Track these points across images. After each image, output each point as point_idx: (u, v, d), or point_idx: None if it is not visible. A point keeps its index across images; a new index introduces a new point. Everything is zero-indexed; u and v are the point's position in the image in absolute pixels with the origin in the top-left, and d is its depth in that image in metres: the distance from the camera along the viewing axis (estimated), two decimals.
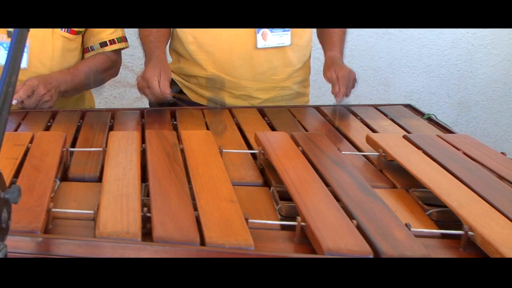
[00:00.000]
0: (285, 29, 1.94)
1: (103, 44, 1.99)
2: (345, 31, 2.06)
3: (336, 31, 2.03)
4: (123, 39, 2.04)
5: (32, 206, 1.02)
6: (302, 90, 2.13)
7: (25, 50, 1.81)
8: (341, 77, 1.82)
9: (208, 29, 1.92)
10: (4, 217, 0.81)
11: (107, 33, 1.98)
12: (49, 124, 1.65)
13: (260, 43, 1.93)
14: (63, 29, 1.88)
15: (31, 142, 1.35)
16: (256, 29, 1.92)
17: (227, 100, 1.99)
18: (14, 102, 1.68)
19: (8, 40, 1.83)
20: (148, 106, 1.98)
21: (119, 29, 2.01)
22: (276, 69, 1.99)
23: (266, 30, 1.92)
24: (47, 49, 1.89)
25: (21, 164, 1.24)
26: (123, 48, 2.07)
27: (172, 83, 1.96)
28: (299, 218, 1.05)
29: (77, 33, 1.94)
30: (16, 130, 1.57)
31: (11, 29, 1.82)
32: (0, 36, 1.84)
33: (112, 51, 2.02)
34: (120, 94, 3.36)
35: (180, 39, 1.99)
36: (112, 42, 2.00)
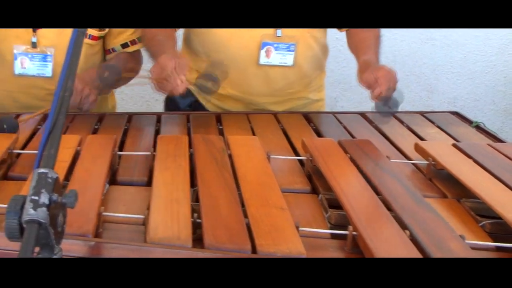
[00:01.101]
0: (290, 49, 1.91)
1: (125, 45, 2.00)
2: (378, 35, 1.98)
3: (368, 36, 1.96)
4: None
5: (83, 210, 1.02)
6: (317, 96, 2.11)
7: (50, 59, 1.84)
8: (380, 77, 1.72)
9: (219, 49, 1.90)
10: (60, 221, 0.82)
11: (127, 34, 1.99)
12: (96, 127, 1.66)
13: (263, 60, 1.90)
14: (86, 36, 1.88)
15: (79, 145, 1.36)
16: (261, 45, 1.88)
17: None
18: None
19: (34, 51, 1.86)
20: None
21: (139, 29, 1.99)
22: (292, 84, 1.98)
23: (270, 47, 1.90)
24: None
25: (70, 167, 1.25)
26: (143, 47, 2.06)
27: (188, 93, 1.87)
28: (350, 227, 1.03)
29: (99, 38, 1.95)
30: (64, 133, 1.58)
31: (35, 40, 1.85)
32: (25, 47, 1.86)
33: (134, 51, 2.03)
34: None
35: (193, 56, 1.98)
36: (133, 42, 2.01)
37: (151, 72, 1.66)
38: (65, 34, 1.84)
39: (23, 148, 1.47)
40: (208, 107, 2.02)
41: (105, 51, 2.03)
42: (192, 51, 2.00)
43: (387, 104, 1.78)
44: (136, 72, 2.03)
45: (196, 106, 2.02)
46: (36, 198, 0.76)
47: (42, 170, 0.80)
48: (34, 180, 0.79)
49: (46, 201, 0.76)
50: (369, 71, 1.76)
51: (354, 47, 2.00)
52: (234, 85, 1.93)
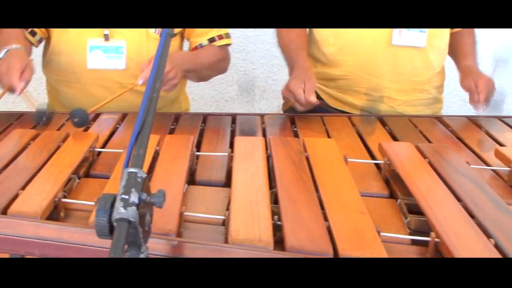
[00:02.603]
0: (422, 29, 1.93)
1: (212, 40, 2.02)
2: (475, 41, 2.07)
3: (467, 42, 2.05)
4: (228, 35, 2.07)
5: (166, 209, 1.03)
6: (439, 95, 2.11)
7: (122, 52, 1.88)
8: (480, 86, 1.83)
9: (350, 29, 1.93)
10: (147, 220, 0.83)
11: (214, 30, 2.02)
12: (172, 127, 1.69)
13: (395, 40, 1.93)
14: (156, 31, 1.92)
15: (158, 145, 1.39)
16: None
17: (365, 104, 2.01)
18: (140, 82, 1.72)
19: (107, 43, 1.91)
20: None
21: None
22: (417, 70, 1.99)
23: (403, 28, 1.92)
24: (143, 52, 1.93)
25: (150, 167, 1.27)
26: (229, 44, 2.09)
27: None
28: (432, 234, 1.01)
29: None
30: None
31: (107, 32, 1.89)
32: (98, 40, 1.91)
33: (222, 45, 2.05)
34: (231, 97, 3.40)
35: (318, 42, 2.00)
36: (220, 37, 2.04)
37: (282, 93, 1.83)
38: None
39: (103, 146, 1.50)
40: (329, 102, 2.05)
41: (193, 49, 2.05)
42: (318, 34, 2.03)
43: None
44: (223, 69, 2.13)
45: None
46: (126, 197, 0.78)
47: (131, 169, 0.81)
48: (124, 179, 0.81)
49: (136, 200, 0.78)
50: (471, 78, 1.89)
51: (453, 52, 2.08)
52: (360, 66, 1.97)
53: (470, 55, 2.01)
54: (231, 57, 2.14)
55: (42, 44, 2.06)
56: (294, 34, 2.03)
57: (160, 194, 0.81)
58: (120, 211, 0.76)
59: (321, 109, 2.01)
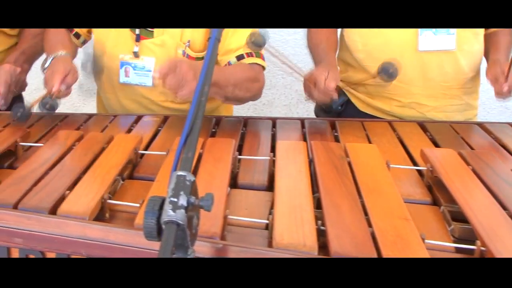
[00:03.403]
0: (450, 32, 1.90)
1: (240, 57, 1.89)
2: (510, 41, 2.00)
3: (501, 40, 1.98)
4: (261, 56, 1.91)
5: (210, 212, 1.04)
6: (472, 102, 2.07)
7: (150, 69, 1.89)
8: (506, 71, 1.74)
9: (377, 35, 1.93)
10: (195, 223, 0.84)
11: (244, 48, 1.90)
12: (214, 130, 1.70)
13: (422, 46, 1.91)
14: (183, 53, 1.90)
15: (201, 147, 1.40)
16: (419, 31, 1.90)
17: (394, 110, 1.99)
18: (155, 75, 1.57)
19: (136, 60, 1.93)
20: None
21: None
22: (447, 75, 1.95)
23: (429, 32, 1.89)
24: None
25: (194, 169, 1.28)
26: (261, 65, 1.92)
27: (340, 92, 2.00)
28: (478, 242, 1.00)
29: (196, 59, 1.90)
30: None
31: (137, 49, 1.91)
32: (129, 56, 1.93)
33: (252, 63, 1.89)
34: (269, 101, 3.41)
35: (348, 47, 2.00)
36: (250, 55, 1.89)
37: (303, 81, 1.80)
38: (165, 46, 1.90)
39: (146, 148, 1.52)
40: (358, 106, 2.05)
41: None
42: (348, 39, 2.04)
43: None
44: (256, 91, 1.90)
45: (348, 105, 2.07)
46: (175, 200, 0.79)
47: (180, 172, 0.82)
48: (173, 182, 0.82)
49: (184, 203, 0.79)
50: (497, 65, 1.81)
51: (486, 50, 2.02)
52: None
53: (501, 50, 1.94)
54: (267, 62, 1.98)
55: None
56: (324, 35, 2.04)
57: (208, 197, 0.82)
58: (169, 213, 0.78)
59: (349, 113, 2.01)
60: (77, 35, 2.03)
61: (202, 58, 1.91)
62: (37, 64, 3.23)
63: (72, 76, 1.75)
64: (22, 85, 1.94)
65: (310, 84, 1.79)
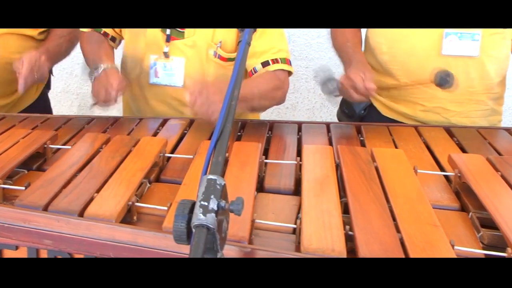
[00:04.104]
0: (474, 38, 1.88)
1: (265, 64, 1.91)
2: None
3: None
4: (287, 61, 1.94)
5: (238, 216, 1.05)
6: (497, 107, 2.05)
7: (181, 70, 1.90)
8: None
9: (402, 37, 1.92)
10: (224, 227, 0.84)
11: (269, 53, 1.92)
12: (239, 133, 1.70)
13: (446, 50, 1.89)
14: (215, 54, 1.91)
15: (227, 151, 1.40)
16: (444, 35, 1.88)
17: (418, 115, 1.97)
18: (187, 98, 1.61)
19: (166, 61, 1.94)
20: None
21: (284, 50, 1.95)
22: (472, 80, 1.93)
23: (455, 37, 1.87)
24: (201, 72, 1.94)
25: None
26: (287, 71, 1.95)
27: None
28: (509, 250, 0.99)
29: (228, 59, 1.93)
30: (209, 139, 1.63)
31: (167, 50, 1.92)
32: (159, 56, 1.94)
33: (277, 70, 1.91)
34: (292, 105, 3.41)
35: (373, 49, 1.99)
36: (275, 61, 1.91)
37: (340, 83, 1.80)
38: (196, 47, 1.92)
39: (171, 152, 1.52)
40: (381, 110, 2.04)
41: (248, 73, 1.96)
42: (373, 41, 2.03)
43: None
44: (279, 98, 1.94)
45: (371, 110, 2.06)
46: (205, 203, 0.79)
47: (210, 176, 0.82)
48: (203, 186, 0.82)
49: (215, 207, 0.79)
50: None
51: None
52: (413, 76, 1.93)
53: None
54: (292, 66, 2.02)
55: None
56: (349, 34, 2.04)
57: (238, 201, 0.82)
58: (199, 217, 0.78)
59: (372, 117, 2.00)
60: (113, 39, 2.07)
61: (233, 59, 1.92)
62: (62, 68, 3.28)
63: (123, 87, 1.81)
64: (44, 74, 1.96)
65: (348, 87, 1.77)
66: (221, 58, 1.92)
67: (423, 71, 1.90)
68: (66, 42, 2.14)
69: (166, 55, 1.92)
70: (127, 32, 2.00)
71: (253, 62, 1.93)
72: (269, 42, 1.90)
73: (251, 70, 1.93)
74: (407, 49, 1.92)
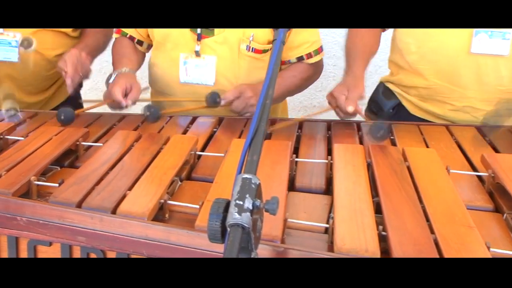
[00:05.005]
0: (505, 36, 1.85)
1: (300, 59, 2.03)
2: None
3: None
4: (319, 50, 2.06)
5: (271, 215, 1.04)
6: None
7: (212, 68, 1.91)
8: None
9: (431, 36, 1.89)
10: (259, 226, 0.84)
11: (304, 47, 2.00)
12: (269, 132, 1.70)
13: (475, 48, 1.86)
14: (248, 48, 1.93)
15: None
16: (474, 33, 1.85)
17: (448, 114, 1.95)
18: (222, 102, 1.82)
19: (198, 59, 1.95)
20: None
21: (316, 42, 2.03)
22: (503, 79, 1.90)
23: (485, 35, 1.84)
24: (234, 68, 1.95)
25: None
26: (319, 60, 2.09)
27: (391, 95, 2.00)
28: None
29: (263, 51, 1.96)
30: (239, 137, 1.63)
31: (198, 48, 1.93)
32: (190, 55, 1.95)
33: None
34: (320, 103, 3.39)
35: (401, 50, 1.98)
36: (309, 56, 2.02)
37: (326, 98, 1.86)
38: (227, 43, 1.92)
39: (202, 150, 1.53)
40: (410, 109, 2.02)
41: (282, 63, 2.04)
42: (400, 42, 2.01)
43: None
44: (315, 80, 2.14)
45: (399, 108, 2.04)
46: (241, 203, 0.79)
47: (246, 175, 0.82)
48: (238, 185, 0.81)
49: (250, 206, 0.79)
50: None
51: None
52: (442, 75, 1.92)
53: None
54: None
55: None
56: (359, 38, 2.01)
57: (274, 201, 0.81)
58: (234, 216, 0.77)
59: (400, 116, 1.98)
60: (140, 42, 2.08)
61: (267, 50, 1.98)
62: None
63: (136, 91, 1.81)
64: (87, 70, 1.97)
65: (332, 106, 1.83)
66: (255, 51, 1.95)
67: (453, 70, 1.88)
68: (102, 36, 2.16)
69: (197, 53, 1.93)
70: (156, 33, 2.01)
71: (287, 55, 2.02)
72: (302, 36, 1.97)
73: (286, 61, 2.04)
74: (436, 48, 1.90)
